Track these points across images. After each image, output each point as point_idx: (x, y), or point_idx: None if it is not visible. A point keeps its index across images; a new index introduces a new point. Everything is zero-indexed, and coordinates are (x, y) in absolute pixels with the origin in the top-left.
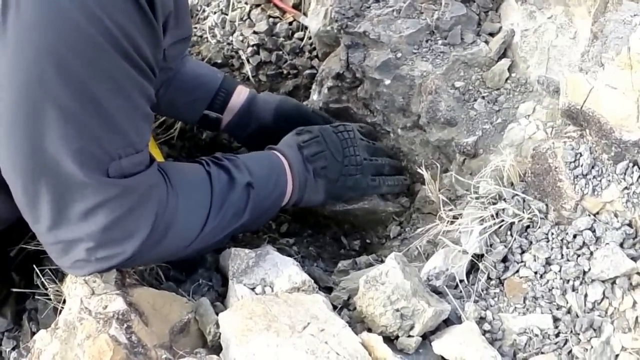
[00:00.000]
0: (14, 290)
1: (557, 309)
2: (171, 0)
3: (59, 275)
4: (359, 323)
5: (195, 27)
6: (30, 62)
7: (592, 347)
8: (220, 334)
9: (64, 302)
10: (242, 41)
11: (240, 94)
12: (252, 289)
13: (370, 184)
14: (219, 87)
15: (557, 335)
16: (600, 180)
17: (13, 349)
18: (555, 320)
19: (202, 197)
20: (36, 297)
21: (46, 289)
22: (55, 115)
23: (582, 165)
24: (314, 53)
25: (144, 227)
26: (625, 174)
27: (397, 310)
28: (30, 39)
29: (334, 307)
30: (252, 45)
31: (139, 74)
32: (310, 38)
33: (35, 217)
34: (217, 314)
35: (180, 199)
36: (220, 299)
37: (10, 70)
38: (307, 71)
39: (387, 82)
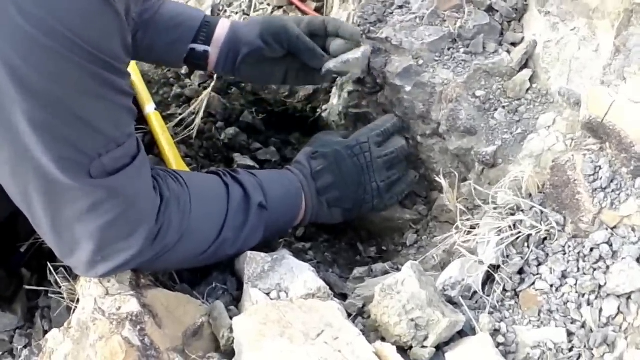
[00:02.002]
0: (26, 287)
1: (572, 323)
2: None
3: (72, 273)
4: (372, 332)
5: None
6: None
7: None
8: (233, 338)
9: (78, 301)
10: None
11: (224, 25)
12: (267, 294)
13: (387, 203)
14: (202, 20)
15: (570, 350)
16: (619, 194)
17: (25, 346)
18: (570, 334)
19: (218, 206)
20: (49, 295)
21: (59, 287)
22: (27, 126)
23: (601, 179)
24: None
25: (146, 220)
26: None
27: (412, 320)
28: None
29: (349, 315)
30: None
31: (107, 70)
32: None
33: (35, 220)
34: (231, 318)
35: (197, 204)
36: (235, 302)
37: None
38: None
39: (408, 88)
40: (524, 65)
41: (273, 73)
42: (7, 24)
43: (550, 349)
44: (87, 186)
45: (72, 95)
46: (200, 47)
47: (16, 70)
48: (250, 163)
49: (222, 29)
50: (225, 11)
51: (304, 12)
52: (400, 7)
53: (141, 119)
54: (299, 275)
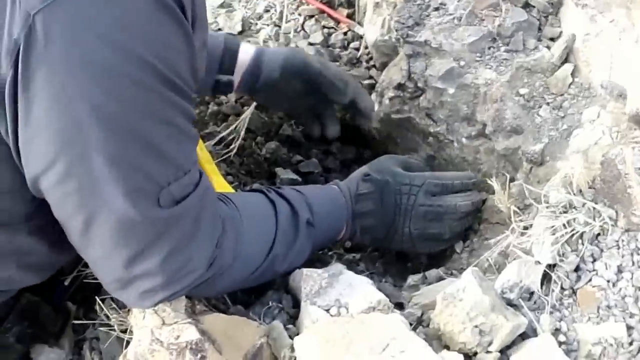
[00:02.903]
0: (74, 322)
1: (630, 317)
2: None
3: (121, 303)
4: (435, 340)
5: (249, 41)
6: (63, 110)
7: None
8: (295, 358)
9: (128, 331)
10: None
11: (246, 52)
12: (327, 311)
13: (419, 250)
14: (223, 48)
15: (630, 344)
16: None
17: None
18: (629, 328)
19: (267, 225)
20: (97, 327)
21: (109, 320)
22: (100, 161)
23: None
24: (371, 63)
25: (205, 245)
26: None
27: (476, 326)
28: (66, 86)
29: (409, 325)
30: None
31: (180, 97)
32: (366, 47)
33: (90, 259)
34: (290, 337)
35: (247, 223)
36: (292, 320)
37: (45, 121)
38: (366, 82)
39: (451, 91)
40: (565, 60)
41: (287, 105)
42: (86, 51)
43: (611, 345)
44: (156, 220)
45: (147, 123)
46: (224, 78)
47: (95, 99)
48: (293, 176)
49: (244, 55)
50: (257, 24)
51: (336, 20)
52: (437, 9)
53: None
54: (358, 290)
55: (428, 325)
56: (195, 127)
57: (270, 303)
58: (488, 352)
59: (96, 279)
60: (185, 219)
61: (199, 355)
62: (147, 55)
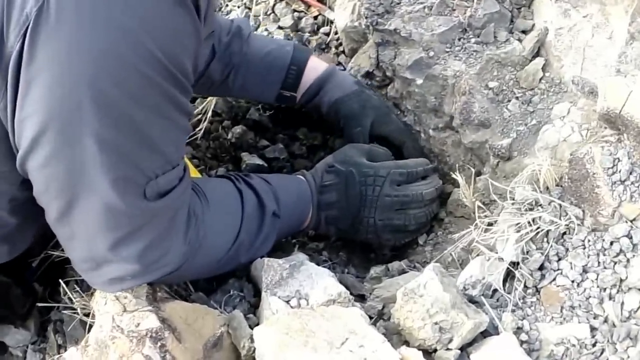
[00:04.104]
0: (39, 304)
1: (594, 318)
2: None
3: (84, 286)
4: (395, 335)
5: None
6: (66, 92)
7: (629, 356)
8: (254, 348)
9: (91, 315)
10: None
11: (313, 71)
12: (287, 302)
13: (383, 242)
14: (289, 64)
15: (594, 345)
16: (638, 187)
17: None
18: (592, 329)
19: (233, 214)
20: (61, 310)
21: (72, 303)
22: (92, 145)
23: (620, 171)
24: (341, 49)
25: (179, 240)
26: None
27: (436, 323)
28: (69, 66)
29: (369, 318)
30: None
31: (180, 92)
32: (336, 33)
33: (64, 236)
34: (250, 327)
35: (213, 212)
36: (253, 309)
37: (44, 99)
38: None
39: (419, 81)
40: (536, 54)
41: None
42: (97, 33)
43: (573, 345)
44: (141, 210)
45: (145, 115)
46: (287, 93)
47: (98, 84)
48: (259, 162)
49: (312, 72)
50: (227, 5)
51: (306, 3)
52: None
53: None
54: (318, 281)
55: (389, 319)
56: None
57: (231, 291)
58: (448, 349)
59: (65, 260)
60: (165, 213)
61: (159, 344)
62: (155, 49)
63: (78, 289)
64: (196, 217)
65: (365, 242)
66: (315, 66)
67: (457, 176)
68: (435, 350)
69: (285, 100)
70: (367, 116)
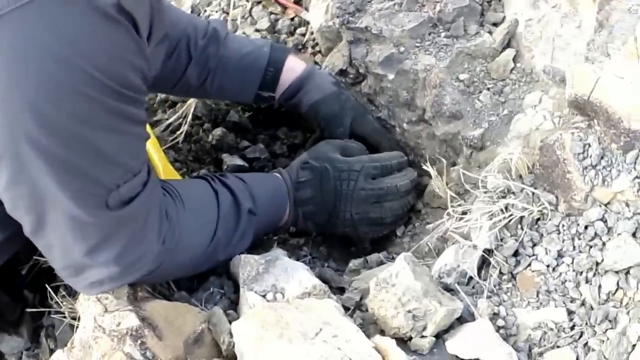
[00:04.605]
0: (30, 310)
1: (571, 302)
2: (148, 8)
3: (71, 290)
4: (371, 324)
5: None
6: (12, 122)
7: (608, 338)
8: (234, 343)
9: (77, 318)
10: None
11: (291, 72)
12: (264, 296)
13: (361, 235)
14: (266, 65)
15: (572, 329)
16: (610, 171)
17: None
18: (570, 313)
19: (209, 214)
20: (51, 315)
21: (60, 307)
22: (45, 165)
23: (591, 156)
24: (317, 48)
25: (153, 241)
26: (635, 163)
27: (409, 311)
28: (10, 96)
29: (347, 309)
30: None
31: (127, 104)
32: (312, 34)
33: (43, 248)
34: (230, 322)
35: (188, 212)
36: (233, 306)
37: None
38: None
39: (391, 76)
40: (507, 45)
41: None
42: (32, 64)
43: (551, 329)
44: (105, 221)
45: (91, 132)
46: (265, 94)
47: (38, 108)
48: (240, 162)
49: (287, 76)
50: (205, 10)
51: (283, 5)
52: None
53: None
54: (293, 275)
55: (367, 311)
56: (145, 126)
57: (212, 289)
58: (423, 336)
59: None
60: (135, 219)
61: (139, 341)
62: (91, 69)
63: (65, 293)
64: (170, 218)
65: (345, 236)
66: (294, 66)
67: (429, 167)
68: (410, 339)
69: (264, 100)
70: (347, 116)
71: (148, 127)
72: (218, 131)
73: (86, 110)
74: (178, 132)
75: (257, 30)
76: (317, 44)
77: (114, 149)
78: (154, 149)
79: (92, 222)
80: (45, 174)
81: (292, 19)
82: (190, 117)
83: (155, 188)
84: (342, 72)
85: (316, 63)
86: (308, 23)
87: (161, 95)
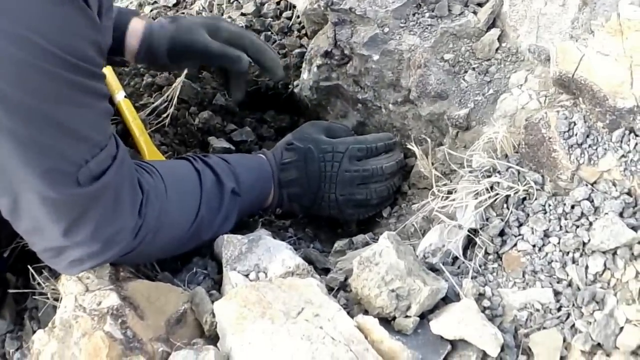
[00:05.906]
0: (12, 292)
1: (558, 282)
2: None
3: (53, 271)
4: (355, 305)
5: (183, 14)
6: None
7: (595, 320)
8: (217, 323)
9: (60, 299)
10: None
11: (135, 34)
12: (246, 276)
13: (347, 218)
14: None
15: (558, 310)
16: (596, 149)
17: (17, 349)
18: (556, 294)
19: (192, 194)
20: (34, 296)
21: (43, 288)
22: (11, 145)
23: (576, 135)
24: (303, 32)
25: (128, 214)
26: (621, 141)
27: (392, 290)
28: None
29: (331, 289)
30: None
31: (88, 77)
32: (298, 17)
33: (22, 231)
34: (213, 302)
35: (170, 189)
36: (217, 286)
37: None
38: (297, 50)
39: (376, 57)
40: (492, 25)
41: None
42: None
43: (537, 310)
44: (76, 198)
45: (53, 107)
46: (117, 59)
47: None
48: (226, 145)
49: (133, 38)
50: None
51: None
52: None
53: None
54: (276, 255)
55: (351, 291)
56: (108, 101)
57: (195, 269)
58: (407, 316)
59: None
60: (107, 194)
61: (120, 321)
62: (46, 44)
63: (48, 275)
64: (145, 191)
65: (331, 219)
66: (136, 28)
67: (414, 147)
68: (394, 318)
69: (120, 64)
70: (201, 35)
71: (132, 106)
72: (204, 114)
73: (46, 86)
74: (164, 115)
75: (242, 14)
76: (303, 27)
77: (77, 123)
78: (139, 132)
79: (64, 200)
80: (12, 156)
81: (277, 3)
82: (176, 100)
83: (125, 161)
84: (327, 54)
85: (302, 46)
86: (294, 7)
87: (147, 79)
